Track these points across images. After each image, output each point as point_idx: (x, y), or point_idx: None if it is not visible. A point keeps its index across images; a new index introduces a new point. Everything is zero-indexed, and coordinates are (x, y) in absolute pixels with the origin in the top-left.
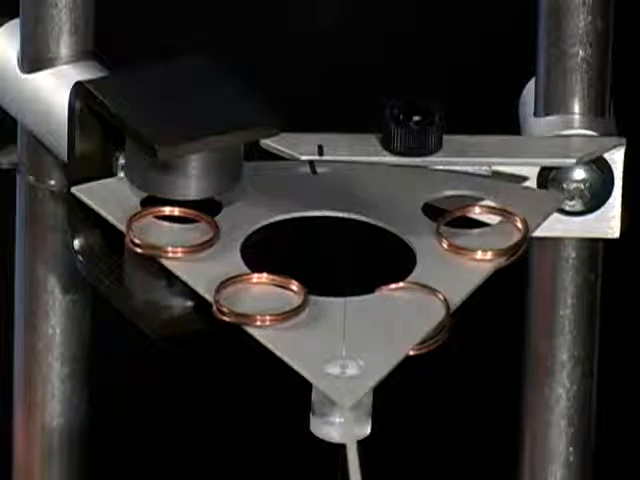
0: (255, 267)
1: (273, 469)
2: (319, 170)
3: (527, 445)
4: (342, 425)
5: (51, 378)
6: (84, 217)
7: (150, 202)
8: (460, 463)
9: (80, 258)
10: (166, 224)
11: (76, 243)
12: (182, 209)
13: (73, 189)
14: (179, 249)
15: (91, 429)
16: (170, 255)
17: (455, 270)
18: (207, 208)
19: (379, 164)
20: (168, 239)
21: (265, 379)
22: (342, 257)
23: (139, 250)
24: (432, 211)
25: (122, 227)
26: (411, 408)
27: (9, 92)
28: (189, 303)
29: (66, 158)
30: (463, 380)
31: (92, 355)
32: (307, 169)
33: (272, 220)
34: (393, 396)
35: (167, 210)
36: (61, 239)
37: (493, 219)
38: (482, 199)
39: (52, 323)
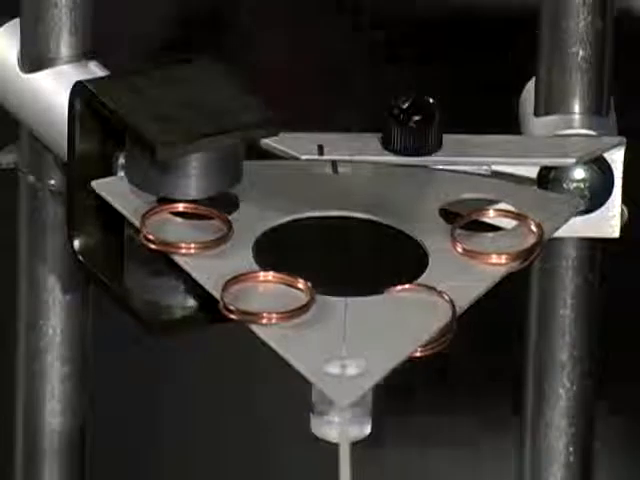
0: (268, 266)
1: (273, 469)
2: (340, 170)
3: (527, 445)
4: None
5: (51, 378)
6: (84, 216)
7: (166, 198)
8: (460, 463)
9: (80, 258)
10: (180, 220)
11: (76, 243)
12: (196, 206)
13: (93, 183)
14: (192, 245)
15: (91, 429)
16: (183, 251)
17: (467, 273)
18: (224, 205)
19: (397, 166)
20: (181, 235)
21: (266, 378)
22: (354, 257)
23: (152, 246)
24: (449, 214)
25: (136, 222)
26: (410, 407)
27: (9, 92)
28: (190, 301)
29: (66, 158)
30: (463, 380)
31: (92, 355)
32: (327, 169)
33: (288, 219)
34: (392, 395)
35: (181, 207)
36: (61, 239)
37: (509, 223)
38: (500, 202)
39: (52, 323)
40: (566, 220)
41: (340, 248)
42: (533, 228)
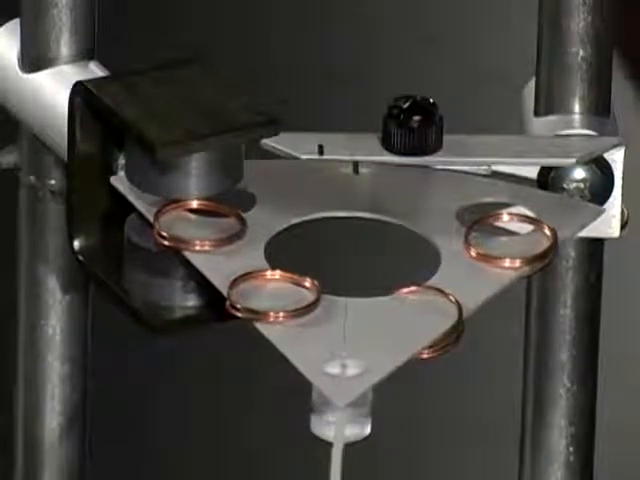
0: (280, 265)
1: (273, 469)
2: (361, 171)
3: (527, 445)
4: (337, 425)
5: (51, 378)
6: (84, 216)
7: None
8: (461, 463)
9: (80, 258)
10: (193, 217)
11: (76, 243)
12: (211, 203)
13: (112, 179)
14: (206, 242)
15: (91, 429)
16: (197, 248)
17: (478, 276)
18: (240, 203)
19: (414, 167)
20: (194, 232)
21: (267, 377)
22: (366, 258)
23: (165, 242)
24: (465, 217)
25: (151, 218)
26: (411, 407)
27: (9, 92)
28: (192, 301)
29: (66, 158)
30: (463, 380)
31: (92, 355)
32: (348, 169)
33: (304, 219)
34: (393, 395)
35: (195, 203)
36: (61, 239)
37: (524, 227)
38: (517, 207)
39: (52, 323)
40: (584, 225)
41: (353, 249)
42: (547, 233)
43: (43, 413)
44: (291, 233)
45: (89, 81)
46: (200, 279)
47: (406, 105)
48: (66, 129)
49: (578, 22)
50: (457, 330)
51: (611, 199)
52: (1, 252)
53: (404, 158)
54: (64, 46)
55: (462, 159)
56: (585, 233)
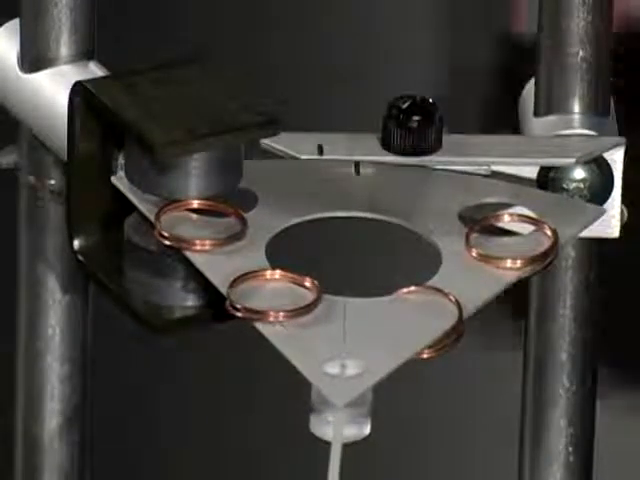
0: (281, 265)
1: (273, 468)
2: (362, 171)
3: (527, 445)
4: (336, 424)
5: (51, 378)
6: (84, 216)
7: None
8: (461, 463)
9: (80, 258)
10: (195, 217)
11: (76, 243)
12: (212, 203)
13: (113, 179)
14: (207, 242)
15: (90, 429)
16: (198, 248)
17: (479, 277)
18: (241, 203)
19: (414, 167)
20: (195, 232)
21: (267, 377)
22: (368, 258)
23: (166, 242)
24: (467, 217)
25: (152, 217)
26: (409, 407)
27: (9, 92)
28: (192, 301)
29: (66, 158)
30: (463, 380)
31: (92, 355)
32: (349, 169)
33: (305, 219)
34: (393, 395)
35: (196, 203)
36: (61, 239)
37: (525, 228)
38: (518, 207)
39: (52, 323)
40: (585, 226)
41: (354, 249)
42: (548, 233)
43: (43, 413)
44: (291, 233)
45: (89, 81)
46: (200, 279)
47: (406, 105)
48: (66, 129)
49: (578, 22)
50: (457, 330)
51: (611, 199)
52: (1, 252)
53: (404, 158)
54: (64, 46)
55: (462, 159)
56: (585, 233)
